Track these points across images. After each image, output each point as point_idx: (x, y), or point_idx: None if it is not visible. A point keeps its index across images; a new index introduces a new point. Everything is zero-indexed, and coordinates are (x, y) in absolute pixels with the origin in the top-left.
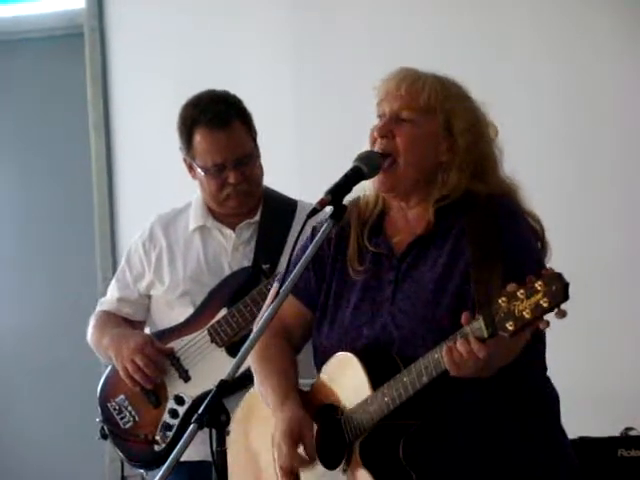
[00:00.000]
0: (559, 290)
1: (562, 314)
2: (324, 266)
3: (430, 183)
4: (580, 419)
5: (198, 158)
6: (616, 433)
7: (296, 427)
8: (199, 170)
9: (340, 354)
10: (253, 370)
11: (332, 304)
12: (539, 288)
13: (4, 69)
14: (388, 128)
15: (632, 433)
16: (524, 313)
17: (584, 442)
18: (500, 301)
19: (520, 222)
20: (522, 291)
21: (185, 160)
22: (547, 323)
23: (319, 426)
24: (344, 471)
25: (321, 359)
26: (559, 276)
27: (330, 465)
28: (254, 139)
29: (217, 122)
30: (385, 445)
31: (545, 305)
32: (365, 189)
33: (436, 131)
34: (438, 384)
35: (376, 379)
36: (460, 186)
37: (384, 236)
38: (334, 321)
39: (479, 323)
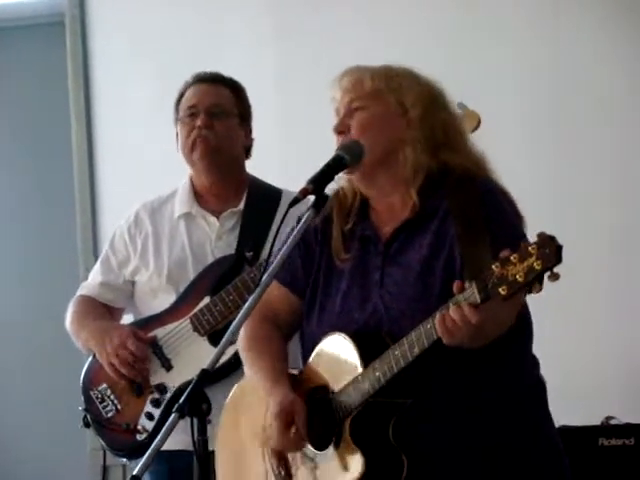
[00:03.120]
0: (552, 252)
1: (555, 277)
2: (312, 256)
3: (396, 162)
4: (561, 408)
5: (179, 111)
6: (597, 422)
7: (288, 409)
8: (179, 125)
9: (330, 336)
10: (242, 355)
11: (321, 293)
12: (532, 251)
13: None
14: (344, 123)
15: (613, 422)
16: (517, 277)
17: (565, 431)
18: (493, 267)
19: (500, 198)
20: (515, 255)
21: (176, 132)
22: (540, 287)
23: (309, 408)
24: (334, 449)
25: (311, 346)
26: (552, 239)
27: (320, 446)
28: (241, 114)
29: (204, 78)
30: (375, 423)
31: (538, 268)
32: (340, 183)
33: (388, 111)
34: (428, 363)
35: (367, 357)
36: (431, 159)
37: (369, 222)
38: (324, 309)
39: (472, 289)
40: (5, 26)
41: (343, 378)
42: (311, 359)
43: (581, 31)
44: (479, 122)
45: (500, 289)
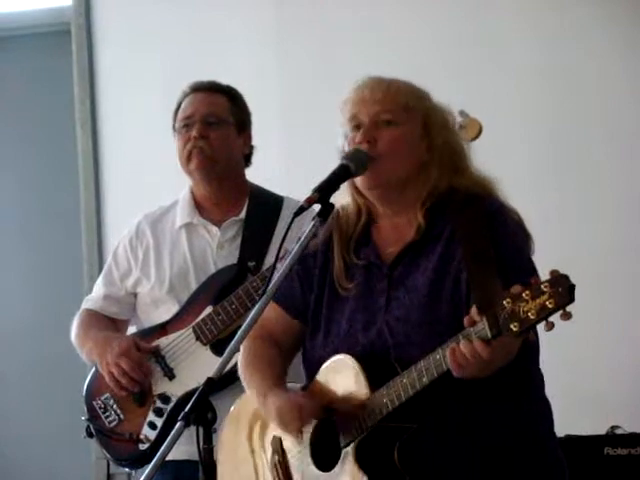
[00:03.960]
0: (565, 292)
1: (567, 316)
2: (311, 278)
3: (413, 185)
4: (567, 417)
5: (176, 122)
6: (602, 431)
7: (296, 400)
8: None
9: (336, 357)
10: (242, 378)
11: (325, 316)
12: (545, 289)
13: None
14: (370, 133)
15: (618, 431)
16: (529, 314)
17: (571, 440)
18: (505, 302)
19: (508, 221)
20: (527, 292)
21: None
22: (552, 325)
23: (314, 428)
24: (339, 472)
25: (314, 368)
26: (565, 277)
27: (324, 467)
28: (237, 122)
29: (202, 87)
30: (380, 447)
31: (550, 306)
32: (344, 203)
33: (415, 131)
34: (435, 388)
35: (374, 381)
36: (442, 182)
37: (373, 246)
38: (329, 332)
39: (482, 324)
40: (11, 35)
41: (349, 401)
42: (316, 378)
43: (581, 30)
44: (480, 130)
45: (512, 325)
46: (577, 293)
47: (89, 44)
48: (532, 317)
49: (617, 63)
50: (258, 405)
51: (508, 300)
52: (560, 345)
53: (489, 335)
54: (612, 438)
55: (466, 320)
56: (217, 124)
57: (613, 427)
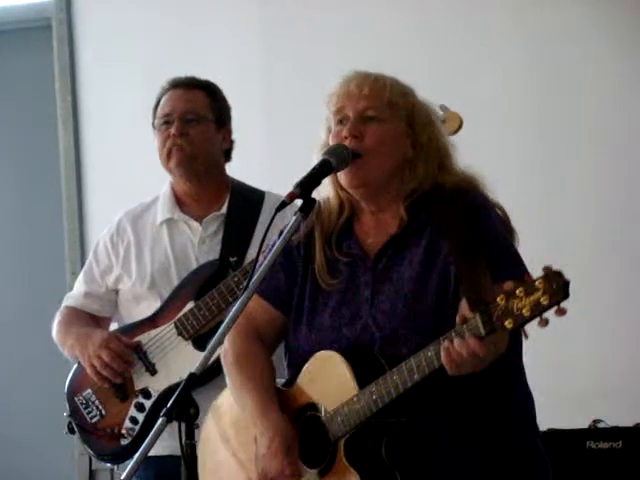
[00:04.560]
0: (559, 288)
1: (562, 312)
2: (295, 270)
3: (398, 181)
4: (549, 411)
5: (155, 119)
6: (585, 425)
7: (284, 435)
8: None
9: (322, 353)
10: (228, 375)
11: (308, 307)
12: (539, 286)
13: None
14: (357, 128)
15: (600, 425)
16: (523, 311)
17: (553, 434)
18: (498, 299)
19: (491, 214)
20: (521, 289)
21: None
22: (546, 321)
23: (300, 426)
24: (328, 469)
25: (298, 362)
26: (559, 274)
27: (313, 463)
28: (217, 118)
29: (180, 83)
30: (369, 443)
31: (545, 303)
32: (325, 196)
33: (400, 127)
34: (421, 383)
35: (361, 377)
36: (427, 179)
37: (355, 239)
38: (312, 324)
39: (475, 321)
40: None
41: (336, 398)
42: (301, 375)
43: (568, 29)
44: (461, 124)
45: (506, 322)
46: None
47: (70, 39)
48: (526, 314)
49: (608, 62)
50: (249, 418)
51: (502, 297)
52: (543, 340)
53: (482, 332)
54: (594, 432)
55: (458, 317)
56: (196, 121)
57: (595, 421)
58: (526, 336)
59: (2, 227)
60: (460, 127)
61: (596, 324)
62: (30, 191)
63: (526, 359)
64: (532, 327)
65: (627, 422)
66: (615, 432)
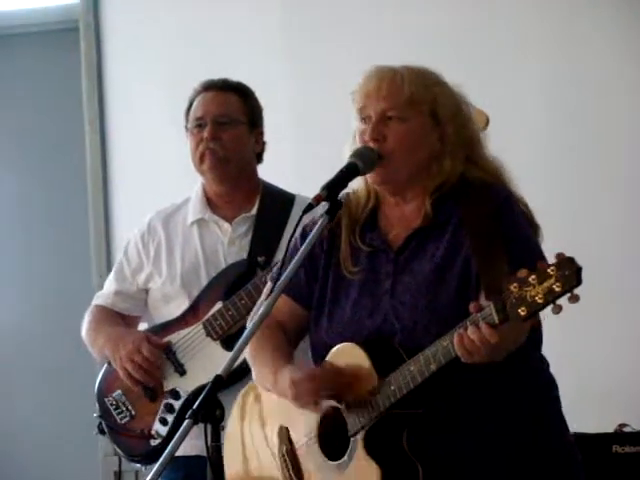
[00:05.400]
0: (572, 274)
1: (575, 299)
2: (316, 263)
3: (425, 176)
4: (575, 415)
5: (188, 121)
6: (610, 429)
7: (299, 374)
8: (188, 137)
9: (342, 345)
10: (250, 362)
11: (330, 299)
12: (551, 273)
13: None
14: (378, 130)
15: (626, 429)
16: (536, 298)
17: (579, 438)
18: (512, 287)
19: (515, 209)
20: (534, 276)
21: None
22: (560, 307)
23: (321, 417)
24: (348, 460)
25: (321, 354)
26: (572, 260)
27: (333, 456)
28: (249, 120)
29: (213, 86)
30: (389, 435)
31: (558, 290)
32: (355, 186)
33: (424, 122)
34: (440, 373)
35: (380, 369)
36: (455, 173)
37: (378, 231)
38: (333, 316)
39: (490, 309)
40: (20, 32)
41: (356, 389)
42: (322, 366)
43: (597, 29)
44: (487, 122)
45: (519, 310)
46: (587, 290)
47: (97, 41)
48: (540, 301)
49: (626, 63)
50: (268, 384)
51: (515, 285)
52: (568, 343)
53: (496, 320)
54: (620, 436)
55: (472, 306)
56: (229, 124)
57: (621, 425)
58: (560, 309)
59: (29, 228)
60: (486, 125)
61: (622, 327)
62: (57, 192)
63: (551, 362)
64: (559, 330)
65: None
66: None
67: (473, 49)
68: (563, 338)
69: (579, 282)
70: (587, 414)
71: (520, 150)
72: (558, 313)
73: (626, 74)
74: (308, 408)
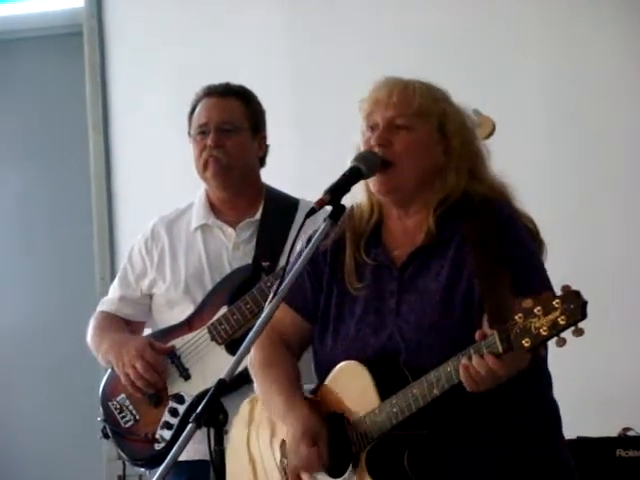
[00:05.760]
0: (577, 308)
1: (579, 332)
2: (321, 277)
3: (429, 189)
4: (579, 419)
5: (191, 127)
6: (614, 433)
7: (312, 428)
8: (191, 141)
9: (347, 363)
10: (255, 379)
11: (334, 316)
12: (557, 306)
13: (2, 68)
14: (385, 136)
15: (630, 433)
16: (541, 330)
17: (582, 442)
18: (517, 317)
19: (519, 226)
20: (539, 308)
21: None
22: (564, 341)
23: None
24: (349, 479)
25: (325, 370)
26: (577, 294)
27: (335, 474)
28: (252, 126)
29: (214, 91)
30: (391, 455)
31: (562, 323)
32: (359, 200)
33: (431, 135)
34: (443, 395)
35: (384, 389)
36: (458, 188)
37: (383, 247)
38: (338, 333)
39: (493, 338)
40: (23, 37)
41: (359, 408)
42: (326, 384)
43: (597, 29)
44: (494, 128)
45: (523, 341)
46: (591, 296)
47: (101, 46)
48: (544, 333)
49: (631, 63)
50: (276, 416)
51: (520, 315)
52: (572, 347)
53: (500, 349)
54: (624, 440)
55: (477, 334)
56: (232, 131)
57: (625, 429)
58: (564, 342)
59: (33, 232)
60: (493, 132)
61: (626, 332)
62: (60, 195)
63: (555, 367)
64: (562, 334)
65: None
66: None
67: (473, 49)
68: (568, 342)
69: (584, 316)
70: (591, 418)
71: (520, 150)
72: (562, 346)
73: (626, 74)
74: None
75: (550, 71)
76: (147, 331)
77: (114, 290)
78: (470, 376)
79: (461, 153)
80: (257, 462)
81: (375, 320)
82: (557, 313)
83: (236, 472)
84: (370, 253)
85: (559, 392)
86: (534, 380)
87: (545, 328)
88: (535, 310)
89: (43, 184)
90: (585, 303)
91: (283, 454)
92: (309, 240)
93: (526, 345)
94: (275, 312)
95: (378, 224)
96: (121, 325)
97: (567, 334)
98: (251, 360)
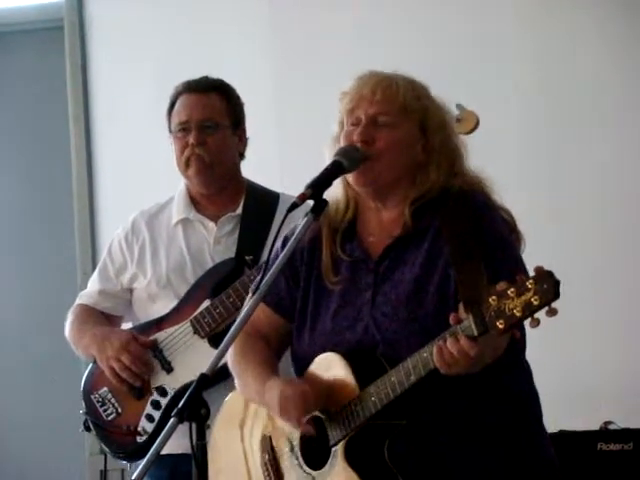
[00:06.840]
0: (550, 288)
1: (553, 312)
2: (297, 274)
3: (408, 183)
4: (560, 413)
5: (172, 123)
6: (596, 427)
7: (291, 391)
8: (172, 138)
9: (323, 355)
10: (233, 371)
11: (311, 311)
12: (530, 286)
13: None
14: (368, 132)
15: (611, 427)
16: (515, 311)
17: (564, 436)
18: (490, 300)
19: (494, 216)
20: (512, 289)
21: (170, 139)
22: (538, 321)
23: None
24: (329, 471)
25: (303, 366)
26: (550, 274)
27: (315, 465)
28: (233, 121)
29: (194, 87)
30: (370, 445)
31: (536, 303)
32: (332, 194)
33: (412, 131)
34: (423, 384)
35: (362, 379)
36: (438, 184)
37: (358, 241)
38: (314, 328)
39: (468, 322)
40: (4, 31)
41: (338, 400)
42: (305, 376)
43: (574, 29)
44: (477, 123)
45: (497, 323)
46: (571, 290)
47: (82, 41)
48: (517, 314)
49: (612, 63)
50: (254, 395)
51: (494, 297)
52: (553, 341)
53: (475, 332)
54: (605, 434)
55: (452, 318)
56: (213, 128)
57: (606, 423)
58: (522, 329)
59: (13, 227)
60: (476, 126)
61: (607, 325)
62: (41, 191)
63: (537, 361)
64: (543, 330)
65: (638, 424)
66: (626, 434)
67: (473, 49)
68: (548, 336)
69: (557, 296)
70: (573, 412)
71: (520, 150)
72: (536, 327)
73: (625, 74)
74: (291, 423)
75: (548, 70)
76: (127, 325)
77: (93, 283)
78: (443, 358)
79: (441, 150)
80: (240, 461)
81: (351, 313)
82: (530, 294)
83: (219, 472)
84: (346, 248)
85: (541, 385)
86: (512, 369)
87: (519, 309)
88: (509, 292)
89: (24, 179)
90: (558, 282)
91: (264, 450)
92: (285, 241)
93: (500, 327)
94: (255, 308)
95: (354, 219)
96: (100, 319)
97: (541, 315)
98: (229, 354)
